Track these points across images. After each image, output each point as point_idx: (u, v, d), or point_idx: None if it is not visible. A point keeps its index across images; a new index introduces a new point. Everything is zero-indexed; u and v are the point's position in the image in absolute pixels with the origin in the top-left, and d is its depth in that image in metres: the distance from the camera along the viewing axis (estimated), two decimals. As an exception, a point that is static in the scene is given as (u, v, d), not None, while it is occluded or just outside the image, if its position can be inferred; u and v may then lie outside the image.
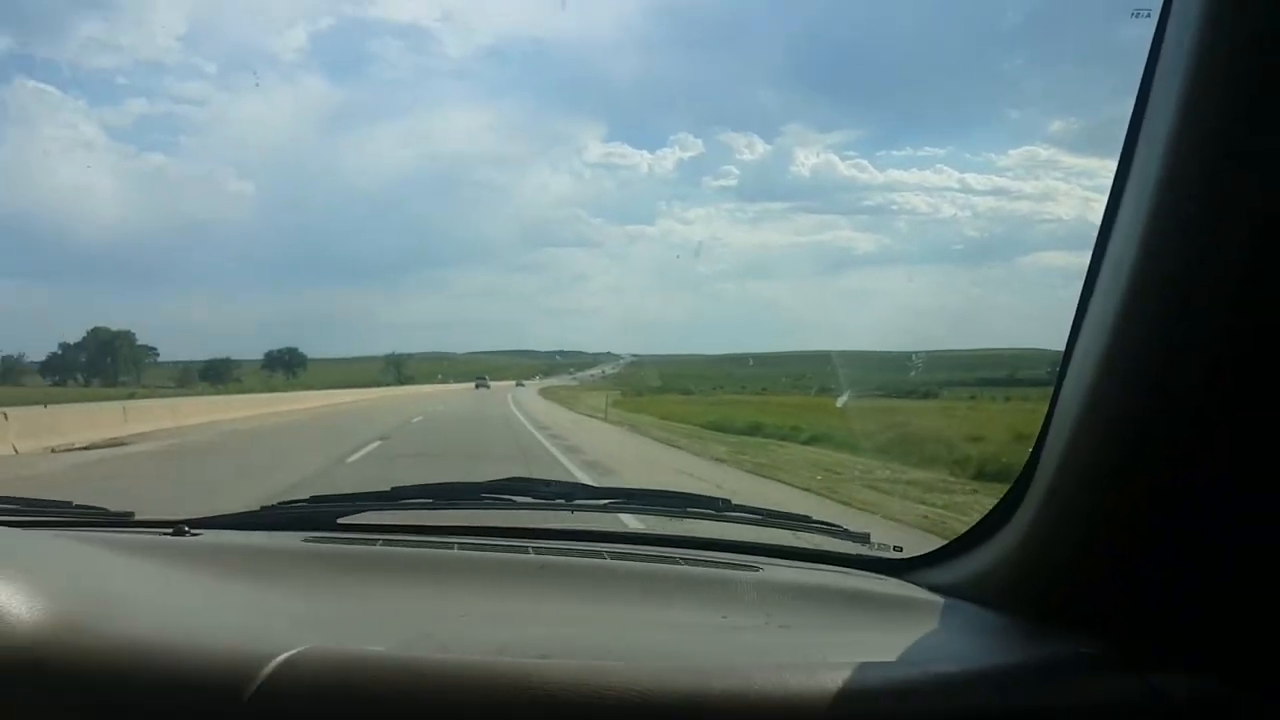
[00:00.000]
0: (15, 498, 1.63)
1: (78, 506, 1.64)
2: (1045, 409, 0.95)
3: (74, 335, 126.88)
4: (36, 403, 20.11)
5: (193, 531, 1.44)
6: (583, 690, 0.81)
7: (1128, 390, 0.82)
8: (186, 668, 0.84)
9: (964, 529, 1.21)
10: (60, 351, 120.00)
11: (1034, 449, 0.99)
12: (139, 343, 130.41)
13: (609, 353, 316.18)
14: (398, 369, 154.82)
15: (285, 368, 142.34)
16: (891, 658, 0.91)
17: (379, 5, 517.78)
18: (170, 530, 1.45)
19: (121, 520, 1.59)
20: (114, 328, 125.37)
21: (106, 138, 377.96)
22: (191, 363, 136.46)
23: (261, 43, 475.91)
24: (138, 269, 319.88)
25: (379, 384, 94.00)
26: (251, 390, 69.99)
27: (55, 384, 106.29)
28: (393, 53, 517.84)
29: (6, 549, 1.08)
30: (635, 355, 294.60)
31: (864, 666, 0.85)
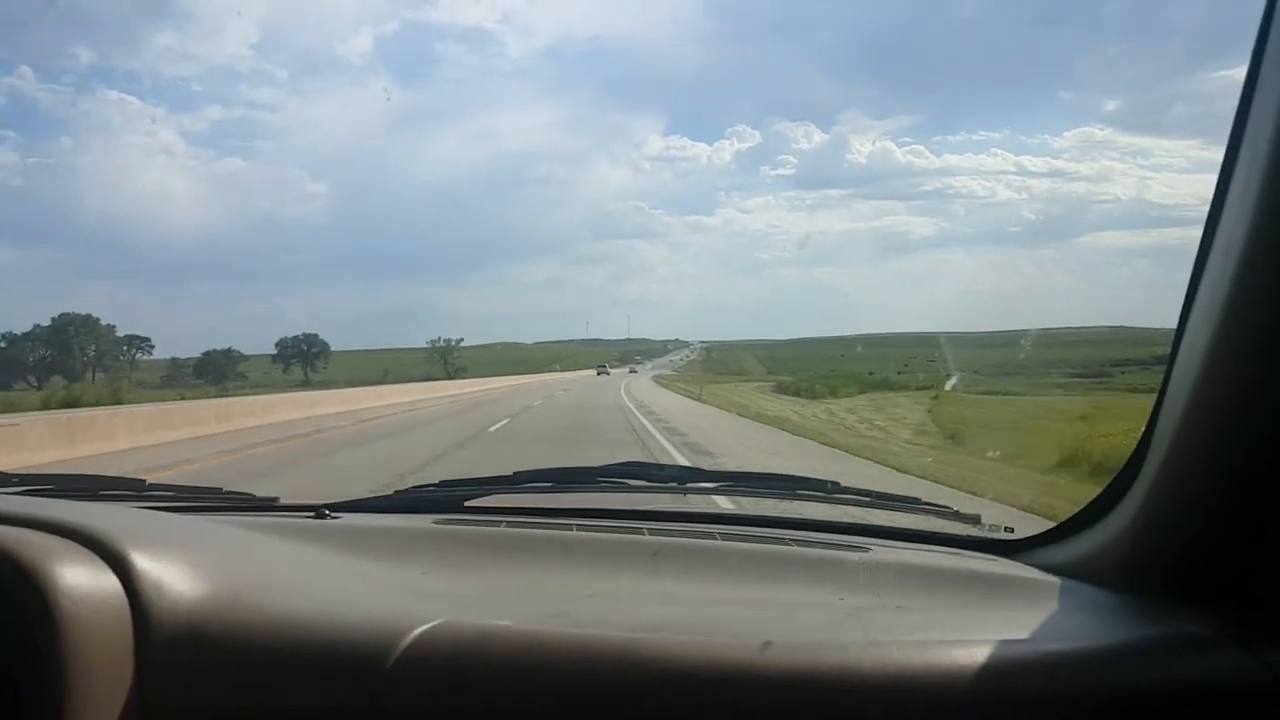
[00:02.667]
0: (171, 485, 1.74)
1: (227, 492, 1.73)
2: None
3: (21, 325, 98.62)
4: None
5: (332, 515, 1.52)
6: (714, 666, 0.83)
7: (1238, 370, 0.82)
8: (332, 639, 0.89)
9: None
10: (4, 344, 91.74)
11: (1145, 429, 0.98)
12: (123, 333, 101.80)
13: (678, 339, 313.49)
14: (444, 359, 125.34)
15: (303, 360, 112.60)
16: (1005, 636, 0.90)
17: (441, 9, 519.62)
18: (311, 514, 1.52)
19: (267, 505, 1.67)
20: (81, 312, 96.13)
21: (185, 144, 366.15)
22: (184, 360, 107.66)
23: (329, 48, 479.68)
24: (217, 270, 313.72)
25: (429, 378, 65.28)
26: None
27: (-7, 387, 78.15)
28: (455, 54, 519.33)
29: (168, 532, 1.15)
30: (705, 342, 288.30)
31: (978, 644, 0.86)
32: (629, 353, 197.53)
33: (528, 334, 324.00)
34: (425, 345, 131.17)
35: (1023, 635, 0.92)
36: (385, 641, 0.88)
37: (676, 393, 41.50)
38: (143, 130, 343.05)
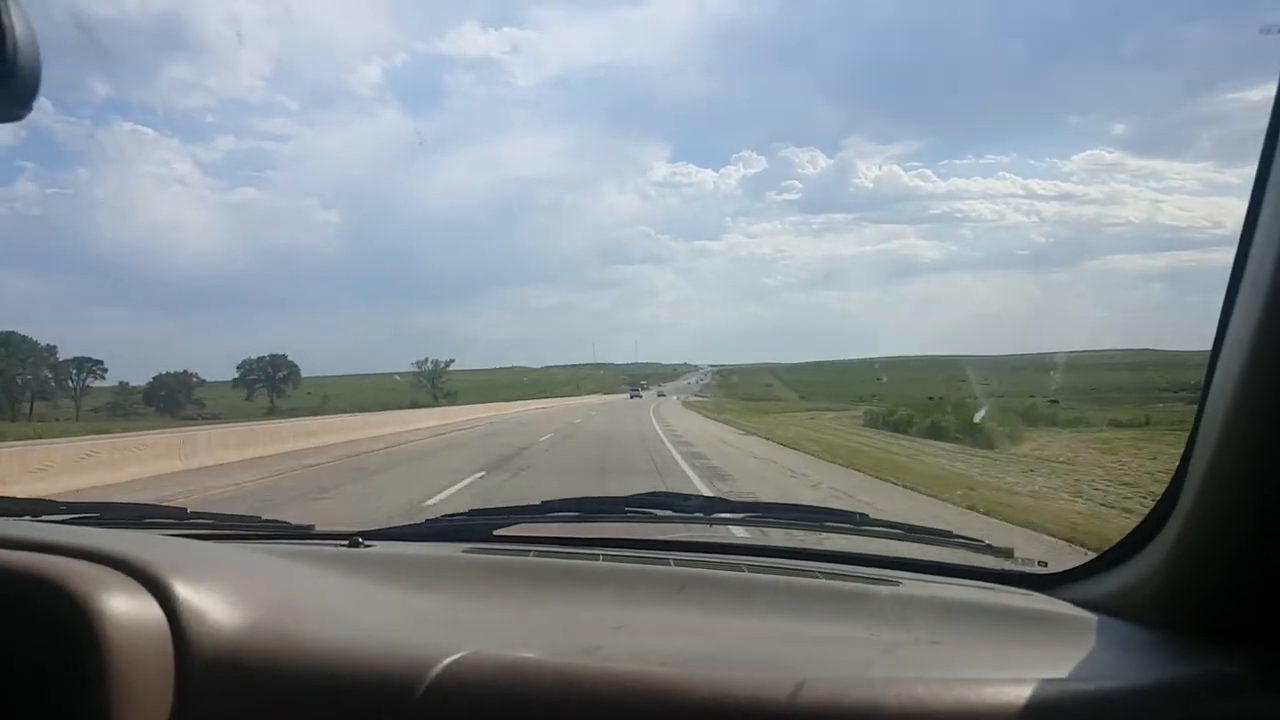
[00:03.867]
0: (210, 513, 1.78)
1: (264, 521, 1.77)
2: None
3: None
4: None
5: (365, 543, 1.54)
6: (744, 705, 0.83)
7: (1272, 404, 0.81)
8: (364, 670, 0.92)
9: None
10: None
11: (1179, 464, 0.96)
12: (71, 355, 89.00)
13: (686, 363, 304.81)
14: (432, 383, 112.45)
15: (269, 384, 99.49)
16: (1038, 674, 0.89)
17: (449, 40, 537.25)
18: (346, 542, 1.54)
19: (302, 533, 1.70)
20: (5, 329, 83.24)
21: (200, 174, 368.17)
22: (135, 387, 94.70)
23: (340, 79, 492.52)
24: (228, 298, 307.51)
25: (415, 405, 52.71)
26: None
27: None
28: (464, 85, 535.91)
29: (209, 562, 1.17)
30: (715, 365, 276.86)
31: (1006, 683, 0.86)
32: (637, 377, 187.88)
33: (535, 359, 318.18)
34: (412, 368, 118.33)
35: (1054, 673, 0.91)
36: (415, 673, 0.89)
37: (755, 435, 25.24)
38: (157, 160, 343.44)
